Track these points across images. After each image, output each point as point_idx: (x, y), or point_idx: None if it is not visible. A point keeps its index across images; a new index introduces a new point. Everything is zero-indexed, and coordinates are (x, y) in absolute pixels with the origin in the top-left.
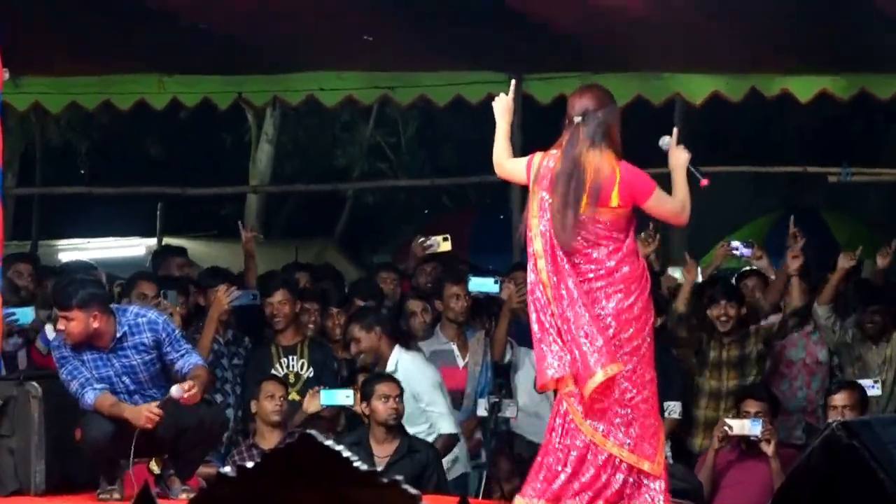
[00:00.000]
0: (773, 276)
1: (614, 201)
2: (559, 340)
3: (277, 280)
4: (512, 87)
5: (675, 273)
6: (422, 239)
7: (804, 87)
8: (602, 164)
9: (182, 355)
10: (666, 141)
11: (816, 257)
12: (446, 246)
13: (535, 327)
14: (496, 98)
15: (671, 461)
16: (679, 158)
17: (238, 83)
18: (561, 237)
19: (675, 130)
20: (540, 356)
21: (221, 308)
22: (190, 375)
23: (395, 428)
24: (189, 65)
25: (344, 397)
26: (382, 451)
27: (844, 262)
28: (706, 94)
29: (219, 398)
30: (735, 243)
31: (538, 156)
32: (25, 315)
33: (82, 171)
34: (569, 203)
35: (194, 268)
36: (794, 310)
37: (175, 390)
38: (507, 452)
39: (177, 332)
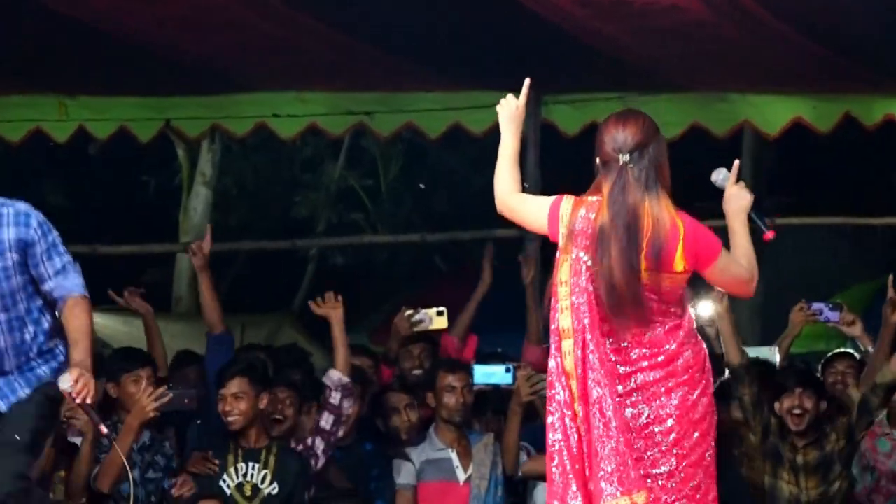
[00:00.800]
0: (870, 352)
1: (679, 265)
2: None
3: (235, 366)
4: (525, 87)
5: (705, 309)
6: (408, 312)
7: None
8: (662, 215)
9: (57, 272)
10: (723, 175)
11: None
12: (441, 322)
13: (548, 436)
14: (502, 101)
15: None
16: (740, 201)
17: (165, 107)
18: (621, 313)
19: (735, 163)
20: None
21: (144, 416)
22: (74, 361)
23: None
24: (100, 83)
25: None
26: None
27: None
28: (785, 121)
29: None
30: (817, 305)
31: (569, 201)
32: None
33: None
34: (631, 265)
35: (105, 349)
36: (885, 384)
37: (62, 382)
38: None
39: (57, 238)
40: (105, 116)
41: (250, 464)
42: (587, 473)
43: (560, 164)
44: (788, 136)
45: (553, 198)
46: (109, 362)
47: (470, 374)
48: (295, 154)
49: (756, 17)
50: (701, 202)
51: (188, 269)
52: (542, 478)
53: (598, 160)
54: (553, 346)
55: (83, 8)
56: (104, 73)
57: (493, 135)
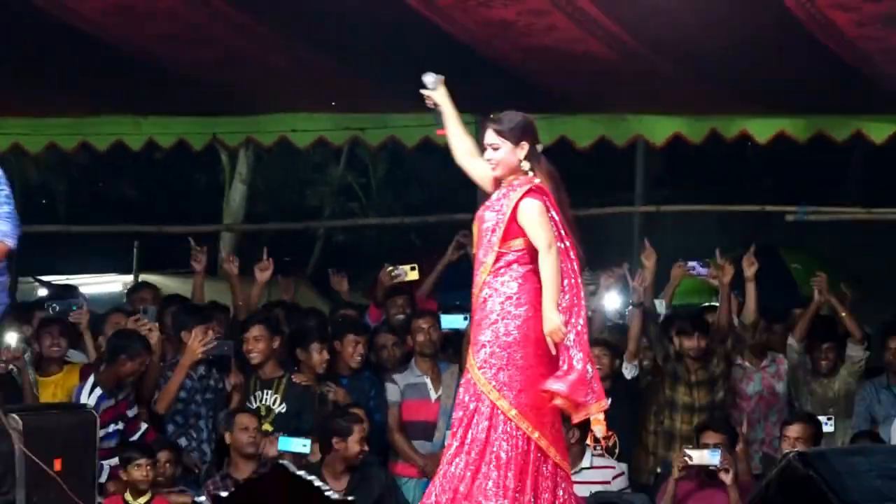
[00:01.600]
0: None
1: None
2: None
3: (255, 315)
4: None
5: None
6: (390, 268)
7: (763, 129)
8: None
9: None
10: (432, 79)
11: (774, 294)
12: (414, 275)
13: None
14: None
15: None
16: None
17: (212, 124)
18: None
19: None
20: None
21: (194, 357)
22: None
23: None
24: (164, 106)
25: (301, 446)
26: (339, 486)
27: (819, 297)
28: (668, 135)
29: (193, 433)
30: (691, 263)
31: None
32: None
33: (60, 211)
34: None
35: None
36: (750, 322)
37: None
38: None
39: (8, 194)
40: (168, 131)
41: (265, 391)
42: None
43: None
44: (672, 144)
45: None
46: (175, 316)
47: (436, 318)
48: (308, 159)
49: (644, 56)
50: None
51: (229, 243)
52: None
53: (527, 148)
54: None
55: (147, 49)
56: (167, 98)
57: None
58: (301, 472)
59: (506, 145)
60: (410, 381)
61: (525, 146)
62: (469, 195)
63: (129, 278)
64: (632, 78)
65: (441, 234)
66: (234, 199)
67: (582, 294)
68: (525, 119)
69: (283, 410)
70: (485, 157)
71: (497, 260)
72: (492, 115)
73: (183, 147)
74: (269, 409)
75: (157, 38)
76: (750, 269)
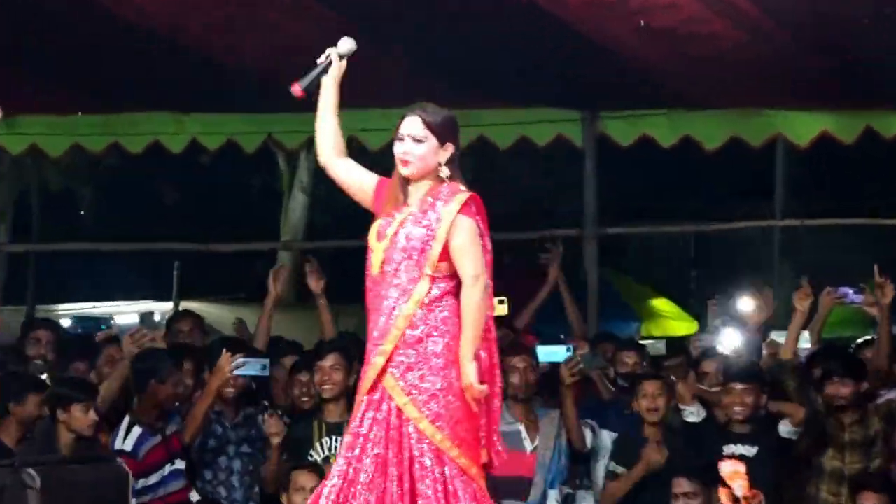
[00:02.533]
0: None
1: None
2: None
3: (332, 342)
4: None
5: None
6: None
7: None
8: None
9: None
10: (348, 46)
11: None
12: (502, 310)
13: None
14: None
15: None
16: None
17: (267, 122)
18: None
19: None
20: None
21: (223, 377)
22: None
23: None
24: (211, 102)
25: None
26: None
27: None
28: (813, 134)
29: (222, 491)
30: (843, 290)
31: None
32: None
33: (86, 224)
34: None
35: (209, 336)
36: None
37: None
38: None
39: None
40: (215, 130)
41: (335, 437)
42: None
43: (615, 171)
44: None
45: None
46: (209, 348)
47: (532, 356)
48: (378, 163)
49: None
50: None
51: (289, 263)
52: None
53: (451, 151)
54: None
55: (192, 34)
56: (215, 93)
57: (556, 145)
58: None
59: (430, 141)
60: (502, 430)
61: (450, 148)
62: (568, 204)
63: (168, 305)
64: (769, 66)
65: (534, 253)
66: (293, 210)
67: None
68: (454, 118)
69: None
70: (398, 148)
71: (430, 289)
72: (418, 104)
73: (233, 149)
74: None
75: (204, 23)
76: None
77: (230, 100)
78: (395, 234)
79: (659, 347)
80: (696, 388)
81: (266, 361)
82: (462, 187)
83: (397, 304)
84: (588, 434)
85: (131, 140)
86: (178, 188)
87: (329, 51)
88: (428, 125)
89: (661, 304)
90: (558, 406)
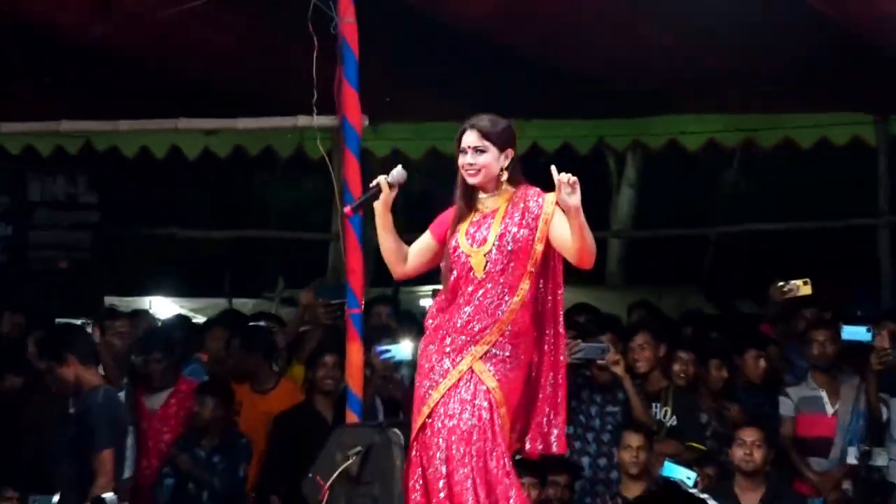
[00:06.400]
0: None
1: None
2: None
3: (640, 322)
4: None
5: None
6: (780, 283)
7: None
8: None
9: None
10: (397, 175)
11: None
12: (806, 290)
13: None
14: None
15: None
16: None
17: (598, 127)
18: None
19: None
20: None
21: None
22: None
23: (761, 474)
24: (549, 108)
25: (685, 477)
26: (748, 500)
27: None
28: None
29: (577, 444)
30: None
31: None
32: (400, 351)
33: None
34: None
35: None
36: None
37: None
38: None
39: None
40: (553, 134)
41: (654, 404)
42: None
43: None
44: None
45: None
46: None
47: (835, 330)
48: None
49: None
50: None
51: (617, 251)
52: None
53: (511, 157)
54: None
55: (532, 46)
56: (552, 100)
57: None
58: (694, 491)
59: (492, 150)
60: (805, 395)
61: (510, 154)
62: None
63: None
64: None
65: (838, 242)
66: (620, 204)
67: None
68: (511, 125)
69: (675, 423)
70: (463, 160)
71: (530, 287)
72: (472, 117)
73: (567, 151)
74: (660, 424)
75: (540, 36)
76: None
77: (566, 106)
78: (500, 237)
79: None
80: None
81: (606, 346)
82: (535, 188)
83: (503, 301)
84: (884, 409)
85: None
86: None
87: (379, 178)
88: (485, 136)
89: None
90: (858, 375)
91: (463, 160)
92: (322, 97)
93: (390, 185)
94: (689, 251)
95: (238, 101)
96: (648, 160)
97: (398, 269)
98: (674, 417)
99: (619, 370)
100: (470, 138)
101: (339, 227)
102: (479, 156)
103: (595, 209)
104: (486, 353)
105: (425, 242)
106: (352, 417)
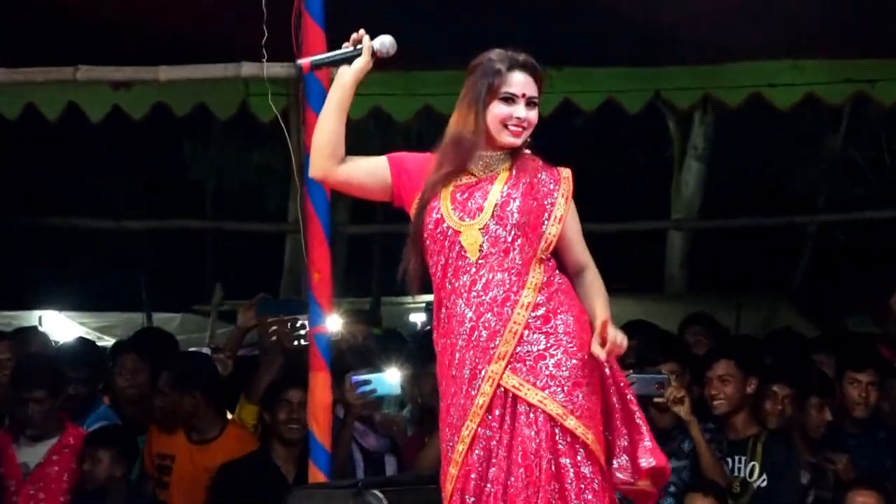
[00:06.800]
0: None
1: None
2: None
3: (721, 347)
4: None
5: None
6: None
7: None
8: None
9: None
10: (388, 43)
11: None
12: None
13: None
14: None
15: None
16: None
17: (653, 78)
18: None
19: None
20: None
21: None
22: None
23: None
24: (587, 55)
25: None
26: None
27: None
28: None
29: None
30: None
31: None
32: (383, 383)
33: None
34: None
35: None
36: None
37: None
38: None
39: None
40: (591, 88)
41: (736, 457)
42: None
43: None
44: None
45: None
46: None
47: None
48: (789, 126)
49: None
50: None
51: (680, 247)
52: None
53: None
54: None
55: None
56: (590, 44)
57: None
58: None
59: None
60: None
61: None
62: None
63: None
64: None
65: None
66: (686, 182)
67: None
68: None
69: (765, 484)
70: (512, 111)
71: (544, 270)
72: (512, 52)
73: (612, 109)
74: (744, 484)
75: None
76: None
77: (609, 51)
78: (502, 206)
79: None
80: None
81: (665, 378)
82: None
83: (510, 293)
84: None
85: None
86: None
87: (364, 40)
88: (540, 85)
89: None
90: None
91: (510, 111)
92: (274, 37)
93: (374, 54)
94: (777, 248)
95: (159, 43)
96: (723, 124)
97: (326, 164)
98: (763, 476)
99: (682, 411)
100: (526, 84)
101: (298, 213)
102: (531, 110)
103: (649, 191)
104: (510, 367)
105: (376, 168)
106: (317, 475)
